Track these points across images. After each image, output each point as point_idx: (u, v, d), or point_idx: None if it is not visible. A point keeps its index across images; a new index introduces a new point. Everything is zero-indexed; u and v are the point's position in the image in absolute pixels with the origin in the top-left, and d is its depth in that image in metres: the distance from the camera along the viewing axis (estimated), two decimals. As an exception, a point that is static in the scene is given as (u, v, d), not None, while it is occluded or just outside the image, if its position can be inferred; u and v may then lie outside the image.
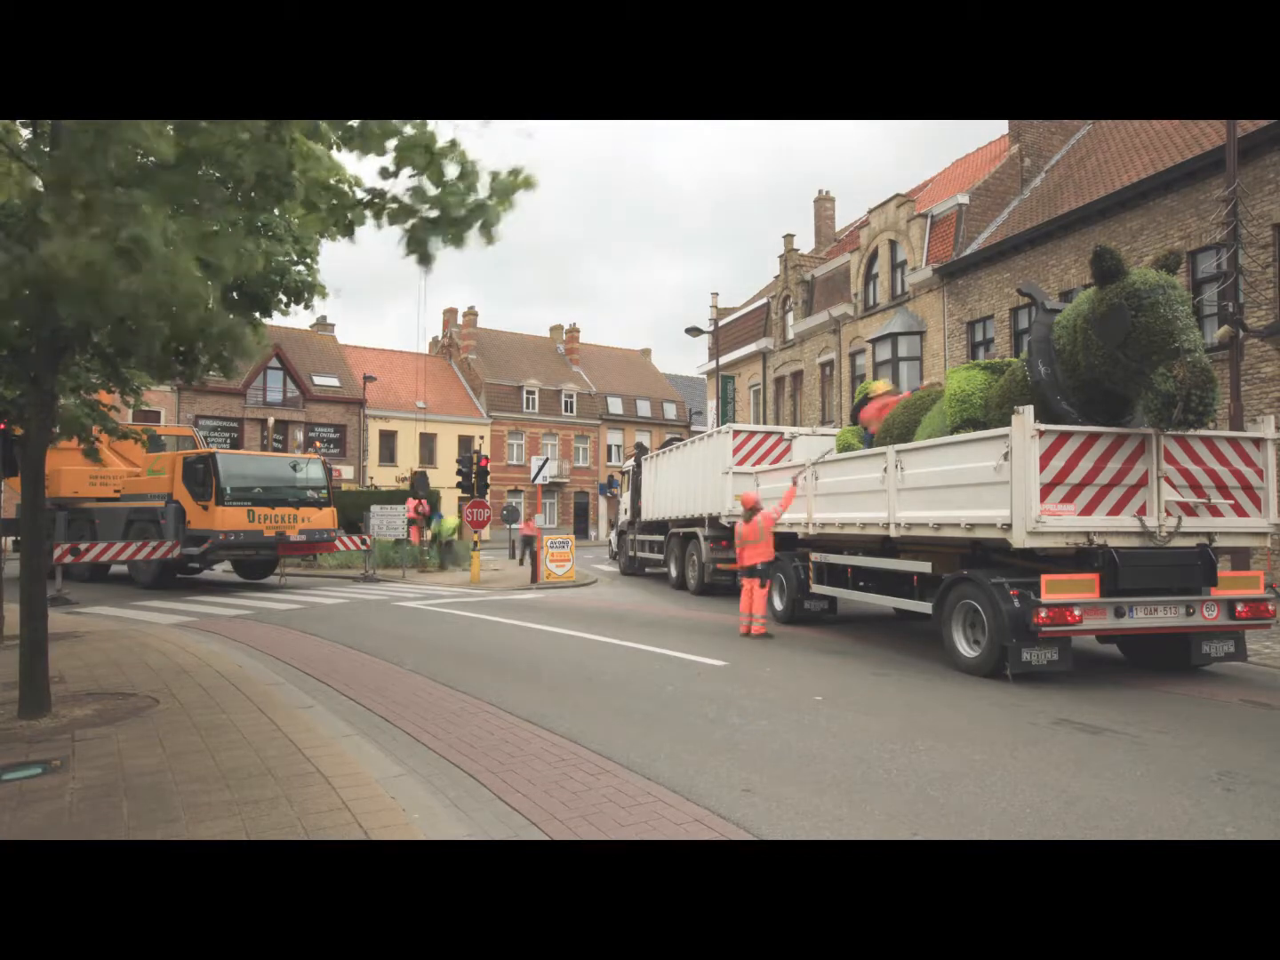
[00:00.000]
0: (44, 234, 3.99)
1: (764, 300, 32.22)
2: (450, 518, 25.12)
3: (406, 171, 3.87)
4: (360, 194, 4.00)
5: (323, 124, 4.26)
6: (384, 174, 3.89)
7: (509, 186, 3.86)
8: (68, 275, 4.04)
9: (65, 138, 4.03)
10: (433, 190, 3.86)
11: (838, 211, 34.54)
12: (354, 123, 3.90)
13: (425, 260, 3.99)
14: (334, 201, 4.20)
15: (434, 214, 3.89)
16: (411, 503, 23.33)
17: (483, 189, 3.87)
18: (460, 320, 51.25)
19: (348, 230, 4.15)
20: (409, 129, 3.78)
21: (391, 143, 3.76)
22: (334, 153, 4.54)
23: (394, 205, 3.92)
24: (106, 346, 6.16)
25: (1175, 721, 6.19)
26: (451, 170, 3.85)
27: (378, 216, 3.96)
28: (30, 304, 4.96)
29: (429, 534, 23.63)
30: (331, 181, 4.26)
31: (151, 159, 4.02)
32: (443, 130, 3.91)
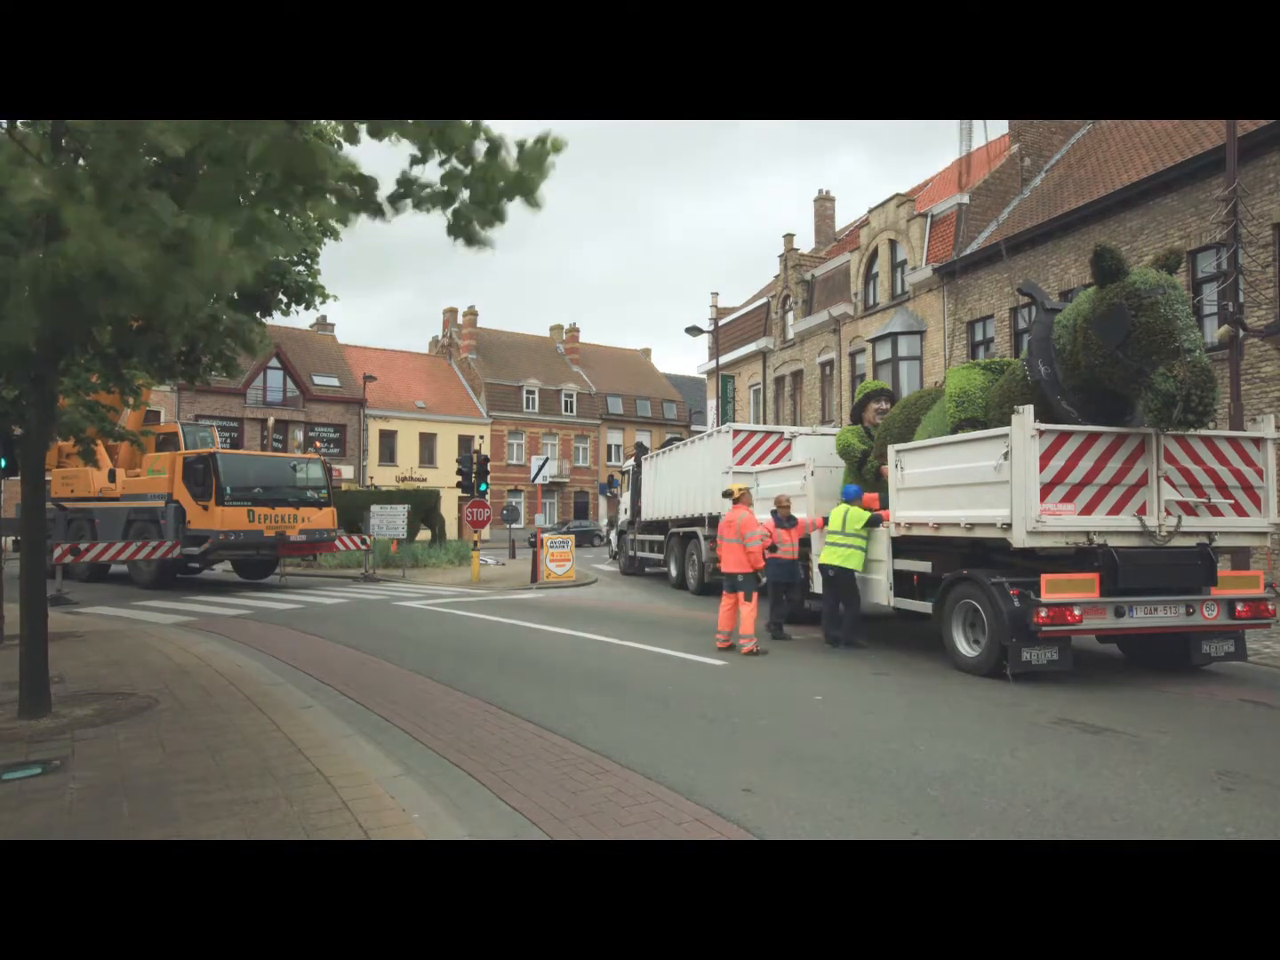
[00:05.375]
0: (61, 234, 3.98)
1: (764, 300, 32.20)
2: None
3: (436, 156, 3.88)
4: (393, 185, 4.01)
5: (325, 124, 4.27)
6: (414, 161, 3.90)
7: (539, 154, 3.86)
8: (130, 276, 4.05)
9: (88, 138, 4.04)
10: (466, 171, 3.87)
11: (836, 211, 34.54)
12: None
13: (474, 241, 3.99)
14: (364, 190, 4.20)
15: (472, 193, 3.90)
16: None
17: (512, 162, 3.88)
18: (460, 320, 51.24)
19: (379, 211, 4.15)
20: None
21: (429, 131, 3.76)
22: (343, 149, 4.54)
23: (427, 191, 3.93)
24: (108, 347, 6.15)
25: (1175, 721, 6.19)
26: (480, 148, 3.86)
27: (418, 205, 3.97)
28: (53, 308, 4.96)
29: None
30: (355, 173, 4.27)
31: (168, 160, 4.04)
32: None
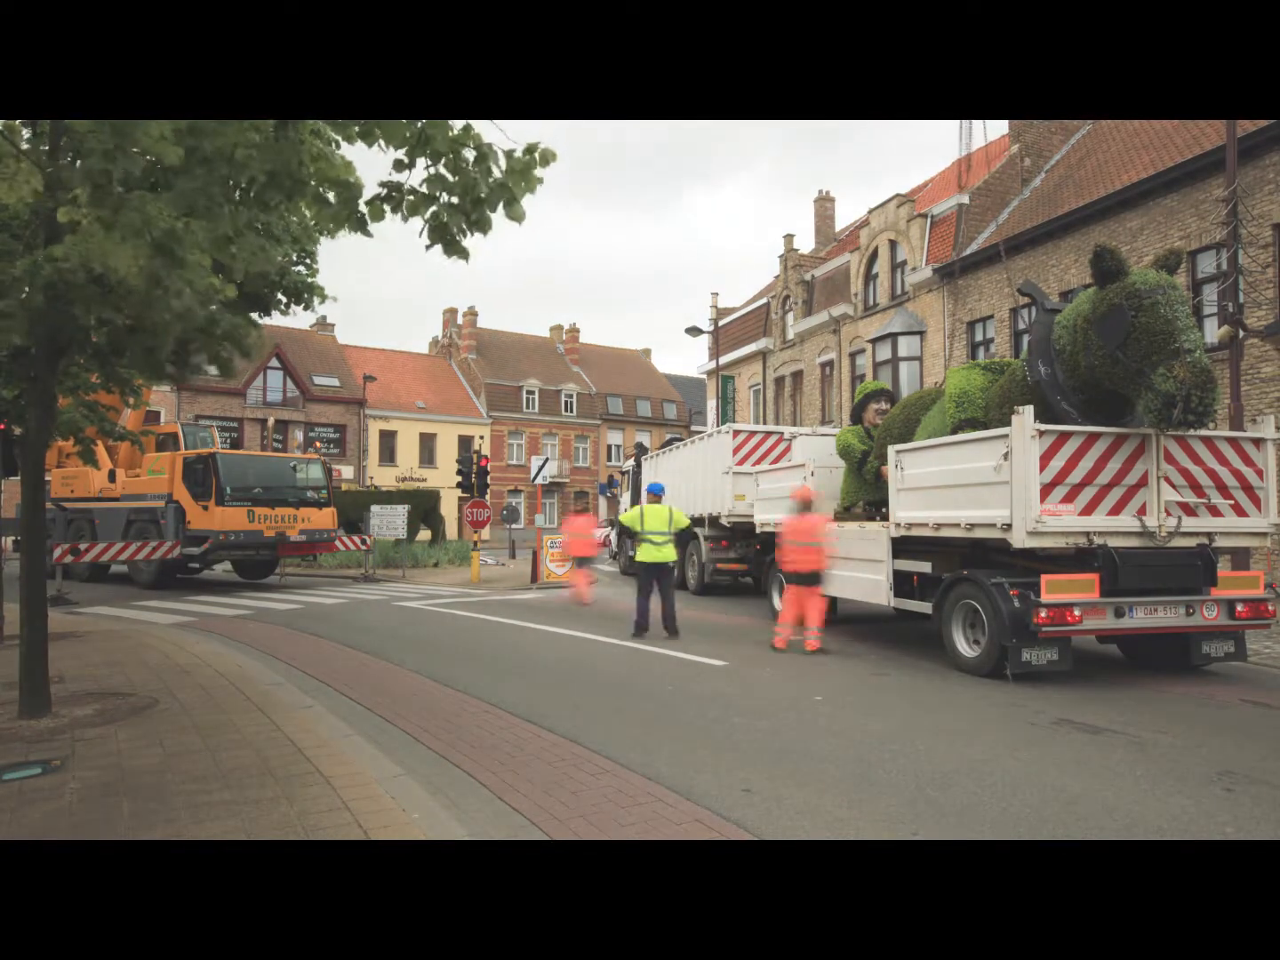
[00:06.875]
0: (58, 237, 3.99)
1: (764, 300, 32.21)
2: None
3: (421, 162, 3.86)
4: (376, 188, 3.98)
5: (323, 123, 4.26)
6: (399, 166, 3.87)
7: (527, 164, 3.83)
8: (120, 277, 4.04)
9: (85, 139, 4.04)
10: (451, 177, 3.84)
11: (837, 211, 34.54)
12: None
13: (453, 249, 3.97)
14: (346, 195, 4.19)
15: (454, 200, 3.87)
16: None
17: (499, 171, 3.86)
18: (460, 320, 51.23)
19: (360, 224, 4.13)
20: (420, 122, 3.77)
21: (408, 134, 3.74)
22: (340, 149, 4.53)
23: (412, 197, 3.90)
24: (104, 346, 6.16)
25: (1175, 721, 6.19)
26: (468, 155, 3.84)
27: (396, 209, 3.95)
28: (46, 308, 4.97)
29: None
30: (342, 177, 4.25)
31: (162, 163, 4.03)
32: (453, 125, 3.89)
